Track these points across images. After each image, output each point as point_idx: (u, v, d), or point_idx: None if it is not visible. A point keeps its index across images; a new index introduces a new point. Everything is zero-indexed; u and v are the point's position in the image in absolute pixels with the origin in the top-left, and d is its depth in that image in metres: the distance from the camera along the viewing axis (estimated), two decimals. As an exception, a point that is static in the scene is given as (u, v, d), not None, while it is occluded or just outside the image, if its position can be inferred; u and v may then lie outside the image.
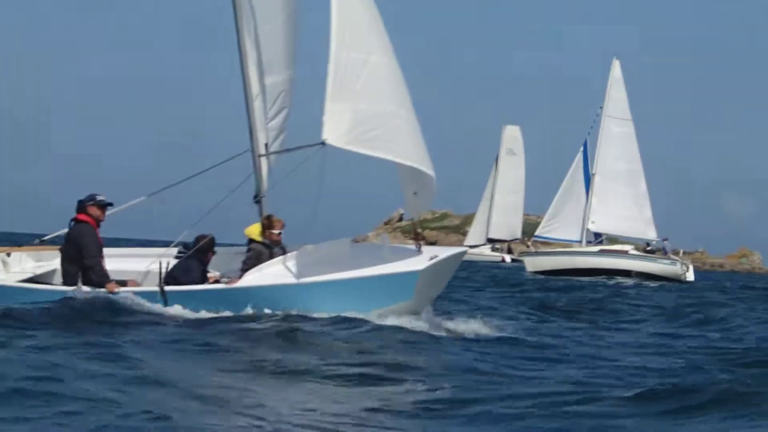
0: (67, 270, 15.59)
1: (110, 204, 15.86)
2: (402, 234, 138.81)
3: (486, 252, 71.61)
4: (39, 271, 16.37)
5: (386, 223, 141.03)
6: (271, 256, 15.37)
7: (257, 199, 16.44)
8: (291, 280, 14.89)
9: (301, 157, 15.71)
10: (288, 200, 16.63)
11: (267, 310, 14.71)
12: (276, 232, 15.69)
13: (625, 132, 57.99)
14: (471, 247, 56.86)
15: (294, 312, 14.62)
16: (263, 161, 16.38)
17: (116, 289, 15.16)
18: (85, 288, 15.10)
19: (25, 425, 7.70)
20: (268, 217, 15.94)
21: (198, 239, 15.71)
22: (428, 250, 15.36)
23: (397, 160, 15.15)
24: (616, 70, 60.61)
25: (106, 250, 15.98)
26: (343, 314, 14.54)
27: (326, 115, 14.51)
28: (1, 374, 9.11)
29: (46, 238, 16.64)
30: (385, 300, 14.77)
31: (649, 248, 54.65)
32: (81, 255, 15.39)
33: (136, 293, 15.22)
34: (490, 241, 65.37)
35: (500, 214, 65.74)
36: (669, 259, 54.14)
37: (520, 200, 64.92)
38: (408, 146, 15.13)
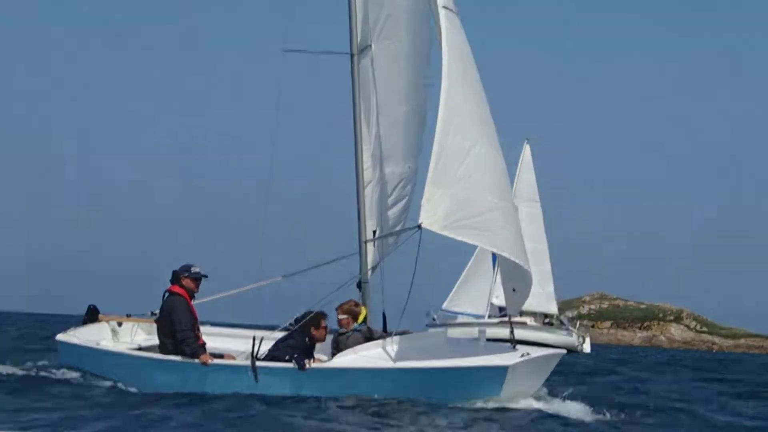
0: (163, 342, 15.35)
1: (205, 276, 15.54)
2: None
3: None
4: (146, 344, 16.17)
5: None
6: (347, 340, 15.30)
7: (359, 284, 16.38)
8: (383, 364, 14.63)
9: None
10: (395, 286, 16.44)
11: (357, 392, 14.41)
12: (339, 317, 15.66)
13: (532, 213, 59.77)
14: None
15: (382, 396, 14.35)
16: (369, 248, 16.31)
17: (210, 361, 14.94)
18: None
19: None
20: (339, 306, 15.88)
21: (306, 315, 15.45)
22: (523, 349, 15.10)
23: (493, 249, 14.97)
24: (526, 152, 63.03)
25: (208, 329, 15.94)
26: (430, 403, 14.23)
27: (425, 198, 14.33)
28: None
29: (158, 311, 16.15)
30: (473, 392, 14.48)
31: (547, 320, 55.31)
32: (174, 328, 15.13)
33: (227, 366, 15.07)
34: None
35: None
36: (566, 330, 54.69)
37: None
38: (505, 238, 14.88)
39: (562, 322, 57.09)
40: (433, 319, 58.20)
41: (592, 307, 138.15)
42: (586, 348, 54.52)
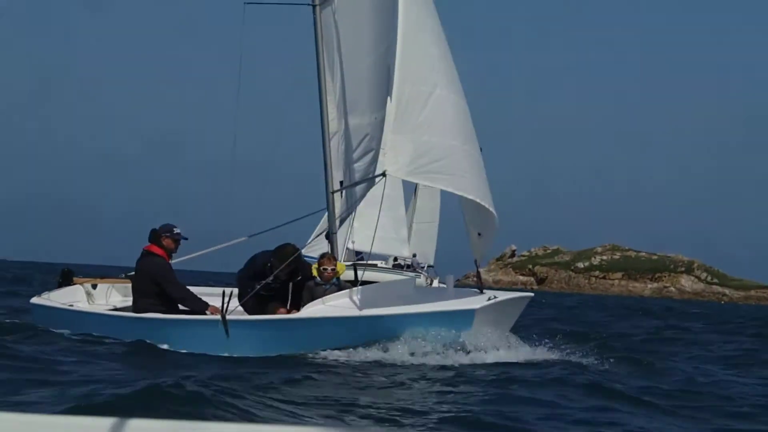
0: (139, 300, 15.09)
1: (185, 239, 15.40)
2: (513, 270, 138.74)
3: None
4: (122, 305, 15.86)
5: (498, 259, 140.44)
6: (324, 293, 14.92)
7: (328, 235, 16.12)
8: (351, 312, 14.34)
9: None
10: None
11: (327, 342, 14.12)
12: (323, 269, 15.26)
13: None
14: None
15: (352, 344, 14.03)
16: (336, 199, 16.03)
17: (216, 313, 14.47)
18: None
19: None
20: (322, 255, 15.56)
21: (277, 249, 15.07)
22: (490, 294, 14.83)
23: (457, 192, 14.70)
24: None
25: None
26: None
27: (388, 146, 14.21)
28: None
29: (132, 274, 15.88)
30: (442, 337, 13.99)
31: (396, 262, 56.29)
32: (158, 287, 14.98)
33: (198, 322, 14.75)
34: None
35: (416, 242, 65.92)
36: (415, 272, 55.82)
37: (435, 229, 65.51)
38: (470, 181, 14.64)
39: (411, 265, 58.06)
40: None
41: (604, 257, 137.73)
42: None
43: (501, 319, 14.69)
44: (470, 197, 14.62)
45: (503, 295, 14.79)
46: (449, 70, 14.83)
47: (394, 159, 14.10)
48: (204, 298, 15.36)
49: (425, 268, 58.48)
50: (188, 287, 15.55)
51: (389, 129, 14.25)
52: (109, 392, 9.25)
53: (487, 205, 14.69)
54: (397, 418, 9.27)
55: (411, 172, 14.28)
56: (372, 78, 15.56)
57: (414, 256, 58.29)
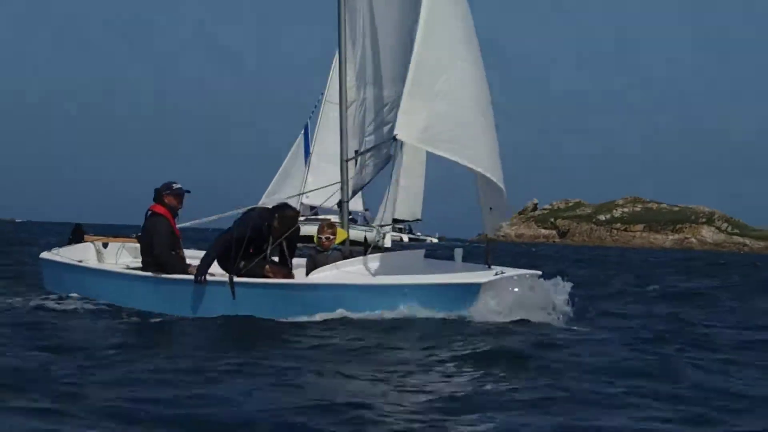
0: (145, 260, 14.99)
1: (187, 191, 15.09)
2: (535, 224, 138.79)
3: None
4: (133, 266, 15.71)
5: (520, 213, 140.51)
6: (326, 259, 14.89)
7: (339, 203, 16.05)
8: (359, 280, 14.32)
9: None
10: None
11: (332, 308, 14.07)
12: (323, 237, 15.18)
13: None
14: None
15: (358, 313, 13.95)
16: (350, 167, 15.92)
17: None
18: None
19: None
20: (320, 223, 15.45)
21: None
22: (498, 269, 14.69)
23: (467, 163, 14.30)
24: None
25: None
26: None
27: (402, 110, 13.92)
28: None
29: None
30: (446, 309, 14.02)
31: (350, 216, 56.14)
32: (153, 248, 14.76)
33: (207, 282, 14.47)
34: (395, 221, 65.31)
35: (402, 198, 65.48)
36: (367, 226, 55.83)
37: (421, 184, 65.04)
38: (482, 154, 14.35)
39: (365, 219, 57.83)
40: None
41: (625, 210, 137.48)
42: (387, 243, 54.88)
43: (506, 295, 14.58)
44: (479, 170, 14.39)
45: (510, 271, 14.67)
46: (472, 43, 14.60)
47: (408, 124, 13.86)
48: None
49: (379, 223, 58.33)
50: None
51: (405, 92, 13.92)
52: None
53: (495, 180, 14.44)
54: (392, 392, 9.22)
55: (422, 140, 14.04)
56: (397, 51, 15.33)
57: (366, 210, 58.01)
